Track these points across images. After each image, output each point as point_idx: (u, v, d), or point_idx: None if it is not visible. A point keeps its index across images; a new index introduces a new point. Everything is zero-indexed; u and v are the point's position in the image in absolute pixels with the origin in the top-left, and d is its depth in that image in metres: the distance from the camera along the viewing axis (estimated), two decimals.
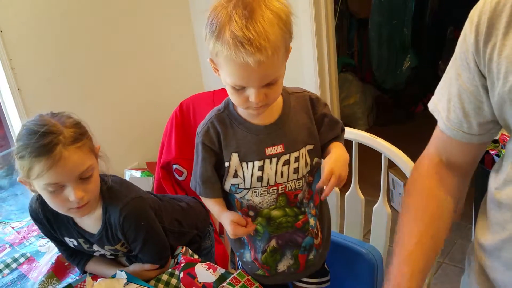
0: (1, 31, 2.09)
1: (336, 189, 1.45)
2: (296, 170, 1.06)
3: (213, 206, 1.12)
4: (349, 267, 1.25)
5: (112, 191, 1.21)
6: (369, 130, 3.05)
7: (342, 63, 3.46)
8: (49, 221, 1.26)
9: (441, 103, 0.87)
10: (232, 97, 0.98)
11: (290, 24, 0.93)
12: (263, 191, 1.07)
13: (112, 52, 2.54)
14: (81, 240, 1.27)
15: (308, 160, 1.07)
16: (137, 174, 2.42)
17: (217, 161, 1.08)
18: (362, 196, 1.40)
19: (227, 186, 1.09)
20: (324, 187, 0.99)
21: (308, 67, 2.49)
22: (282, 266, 1.16)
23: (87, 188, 1.11)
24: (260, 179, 1.06)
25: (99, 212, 1.21)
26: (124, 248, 1.27)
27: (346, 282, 1.26)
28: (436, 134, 0.92)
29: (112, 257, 1.33)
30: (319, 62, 2.47)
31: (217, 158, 1.07)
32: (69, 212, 1.14)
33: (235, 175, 1.06)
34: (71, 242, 1.29)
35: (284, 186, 1.07)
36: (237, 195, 1.09)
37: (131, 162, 2.64)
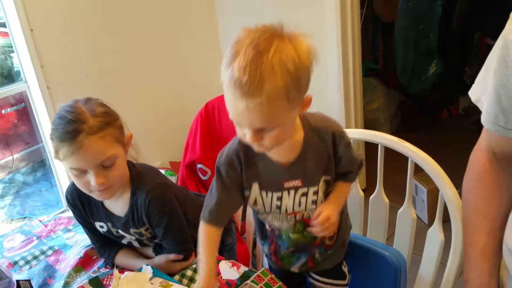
0: (31, 30, 2.14)
1: (361, 193, 1.45)
2: (314, 201, 1.09)
3: (202, 260, 1.09)
4: (372, 270, 1.24)
5: (141, 175, 1.25)
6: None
7: (367, 68, 3.44)
8: (83, 205, 1.31)
9: (483, 95, 0.87)
10: (236, 130, 0.97)
11: (299, 77, 0.87)
12: (281, 217, 1.13)
13: (139, 53, 2.58)
14: (109, 224, 1.31)
15: (325, 189, 1.10)
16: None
17: (235, 189, 1.09)
18: (386, 200, 1.39)
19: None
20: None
21: (332, 71, 2.49)
22: (295, 268, 1.23)
23: (109, 175, 1.15)
24: (278, 207, 1.10)
25: (127, 195, 1.25)
26: (149, 233, 1.30)
27: (368, 285, 1.25)
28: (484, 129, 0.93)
29: (138, 245, 1.36)
30: (344, 66, 2.46)
31: (237, 186, 1.09)
32: (92, 194, 1.19)
33: (255, 202, 1.11)
34: (101, 227, 1.33)
35: (301, 214, 1.12)
36: (259, 216, 1.17)
37: (154, 161, 2.67)
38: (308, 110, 0.99)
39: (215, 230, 1.11)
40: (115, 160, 1.15)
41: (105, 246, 1.38)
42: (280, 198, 1.08)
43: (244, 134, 0.93)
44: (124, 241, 1.36)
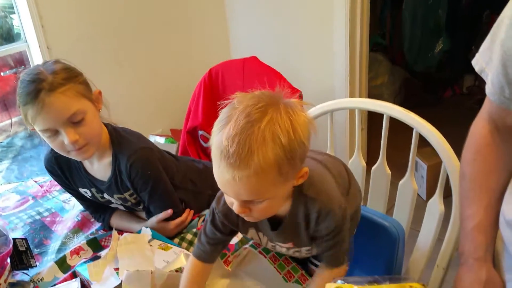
0: None
1: (363, 163, 1.43)
2: (308, 251, 1.06)
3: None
4: (371, 239, 1.23)
5: (123, 139, 1.24)
6: None
7: (373, 42, 3.39)
8: (63, 171, 1.30)
9: (488, 66, 0.84)
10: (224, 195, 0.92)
11: (293, 151, 0.79)
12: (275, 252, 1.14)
13: (142, 18, 2.53)
14: (93, 190, 1.30)
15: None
16: (161, 140, 2.43)
17: (229, 232, 1.05)
18: (388, 171, 1.37)
19: None
20: None
21: (339, 43, 2.44)
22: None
23: (81, 131, 1.13)
24: (273, 247, 1.08)
25: (109, 159, 1.24)
26: (133, 198, 1.29)
27: (367, 253, 1.25)
28: (487, 97, 0.90)
29: (125, 209, 1.36)
30: (351, 40, 2.41)
31: (231, 231, 1.04)
32: (70, 155, 1.18)
33: (251, 238, 1.08)
34: (86, 193, 1.33)
35: (296, 257, 1.11)
36: None
37: (155, 129, 2.65)
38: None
39: (206, 266, 1.06)
40: (84, 115, 1.13)
41: (98, 211, 1.37)
42: (274, 247, 1.07)
43: (231, 202, 0.87)
44: (112, 206, 1.35)
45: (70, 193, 1.39)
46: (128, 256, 1.16)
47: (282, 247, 1.04)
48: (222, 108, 0.83)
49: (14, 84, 2.96)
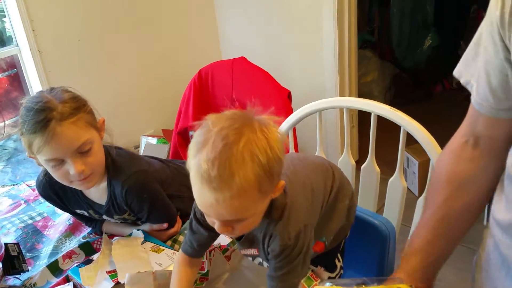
0: None
1: (352, 162, 1.44)
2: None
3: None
4: (362, 237, 1.24)
5: (116, 164, 1.22)
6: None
7: (362, 39, 3.41)
8: (58, 196, 1.29)
9: (473, 76, 0.84)
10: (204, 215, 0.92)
11: (272, 168, 0.80)
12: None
13: (131, 20, 2.53)
14: (91, 212, 1.30)
15: None
16: (153, 141, 2.43)
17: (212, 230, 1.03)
18: (378, 169, 1.38)
19: None
20: None
21: (328, 41, 2.46)
22: None
23: (87, 162, 1.12)
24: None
25: (104, 184, 1.23)
26: (132, 216, 1.30)
27: (358, 253, 1.26)
28: (469, 110, 0.89)
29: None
30: (339, 37, 2.43)
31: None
32: (73, 184, 1.16)
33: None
34: (83, 213, 1.32)
35: None
36: None
37: (147, 129, 2.65)
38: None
39: (194, 261, 1.06)
40: (91, 145, 1.12)
41: (90, 221, 1.37)
42: (244, 255, 1.06)
43: (213, 222, 0.87)
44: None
45: (64, 211, 1.38)
46: (124, 260, 1.16)
47: (249, 255, 1.04)
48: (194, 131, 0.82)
49: (6, 87, 2.95)
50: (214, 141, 0.77)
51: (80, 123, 1.10)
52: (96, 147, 1.14)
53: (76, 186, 1.17)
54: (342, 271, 1.24)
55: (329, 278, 1.15)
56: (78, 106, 1.11)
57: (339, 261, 1.23)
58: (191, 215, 1.03)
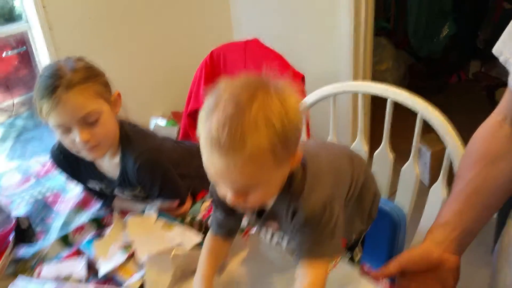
0: None
1: (365, 147, 1.42)
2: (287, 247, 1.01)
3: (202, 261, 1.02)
4: (372, 224, 1.22)
5: (129, 140, 1.22)
6: None
7: (377, 26, 3.35)
8: (72, 167, 1.30)
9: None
10: (216, 187, 0.88)
11: (287, 135, 0.76)
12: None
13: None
14: (103, 186, 1.31)
15: None
16: (162, 122, 2.43)
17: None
18: (391, 156, 1.37)
19: None
20: None
21: (344, 25, 2.42)
22: None
23: (94, 132, 1.12)
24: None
25: (117, 159, 1.23)
26: (143, 193, 1.29)
27: (367, 238, 1.25)
28: (507, 89, 0.87)
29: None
30: (356, 21, 2.39)
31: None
32: (81, 153, 1.17)
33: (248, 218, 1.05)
34: (94, 187, 1.33)
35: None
36: None
37: (156, 111, 2.64)
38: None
39: (222, 241, 1.04)
40: (99, 116, 1.12)
41: (102, 195, 1.37)
42: (259, 231, 1.04)
43: (225, 193, 0.83)
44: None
45: (76, 183, 1.38)
46: (141, 238, 1.16)
47: (268, 229, 1.01)
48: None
49: (15, 65, 2.95)
50: (225, 105, 0.74)
51: (87, 92, 1.10)
52: (105, 119, 1.14)
53: (84, 155, 1.18)
54: (360, 259, 1.23)
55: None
56: (88, 75, 1.12)
57: (359, 251, 1.22)
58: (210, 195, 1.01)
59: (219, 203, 0.99)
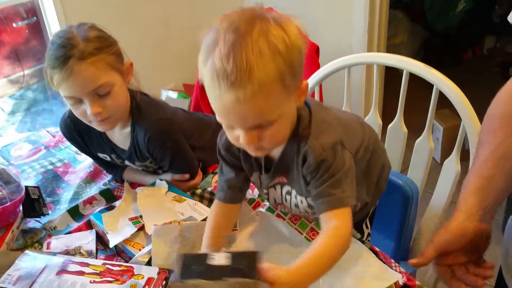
0: None
1: (379, 121, 1.39)
2: (296, 205, 0.98)
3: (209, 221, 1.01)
4: (384, 197, 1.20)
5: (140, 110, 1.20)
6: None
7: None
8: (82, 137, 1.28)
9: None
10: (226, 133, 0.85)
11: (292, 58, 0.74)
12: (271, 205, 1.05)
13: None
14: (113, 156, 1.29)
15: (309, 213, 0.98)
16: (174, 95, 2.41)
17: (239, 170, 1.00)
18: (405, 129, 1.34)
19: None
20: None
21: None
22: None
23: (106, 104, 1.10)
24: (267, 199, 1.03)
25: (128, 129, 1.22)
26: (154, 164, 1.28)
27: (379, 211, 1.23)
28: None
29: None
30: None
31: (239, 168, 1.00)
32: (92, 124, 1.15)
33: (255, 183, 1.02)
34: (105, 157, 1.32)
35: (289, 209, 1.03)
36: None
37: (168, 84, 2.62)
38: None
39: (229, 207, 1.02)
40: (111, 88, 1.10)
41: (112, 167, 1.37)
42: (267, 194, 1.01)
43: (237, 137, 0.80)
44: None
45: (86, 154, 1.38)
46: (150, 210, 1.16)
47: (276, 186, 0.99)
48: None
49: (25, 36, 2.93)
50: (225, 37, 0.72)
51: (100, 64, 1.07)
52: (117, 91, 1.12)
53: (95, 126, 1.17)
54: (369, 238, 1.22)
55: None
56: (101, 46, 1.08)
57: (367, 227, 1.20)
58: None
59: (227, 158, 0.98)
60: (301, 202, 0.97)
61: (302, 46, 0.77)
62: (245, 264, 0.74)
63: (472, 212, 0.81)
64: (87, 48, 1.06)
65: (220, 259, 0.76)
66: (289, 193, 0.98)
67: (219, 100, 0.75)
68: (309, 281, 0.79)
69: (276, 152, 0.92)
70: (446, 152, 1.27)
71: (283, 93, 0.76)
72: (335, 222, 0.84)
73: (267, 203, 1.13)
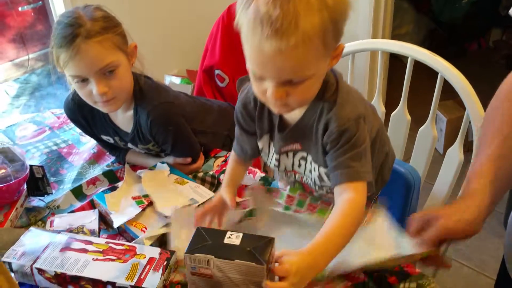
0: None
1: (382, 108, 1.40)
2: (311, 171, 0.97)
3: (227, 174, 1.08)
4: (387, 184, 1.21)
5: (143, 93, 1.21)
6: None
7: None
8: (86, 119, 1.29)
9: None
10: (252, 84, 0.84)
11: (337, 15, 0.74)
12: (280, 173, 1.05)
13: None
14: (117, 138, 1.30)
15: (325, 180, 0.96)
16: (177, 80, 2.41)
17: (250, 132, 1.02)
18: (409, 117, 1.34)
19: None
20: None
21: None
22: None
23: (111, 84, 1.11)
24: (276, 166, 1.02)
25: (131, 112, 1.22)
26: (156, 148, 1.29)
27: (379, 199, 1.24)
28: None
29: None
30: None
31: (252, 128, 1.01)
32: (97, 105, 1.16)
33: (262, 150, 1.03)
34: (108, 140, 1.32)
35: (300, 176, 1.02)
36: None
37: (171, 69, 2.62)
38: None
39: (241, 161, 1.07)
40: (116, 68, 1.11)
41: (116, 149, 1.37)
42: (278, 159, 1.01)
43: (265, 89, 0.79)
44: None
45: (90, 136, 1.39)
46: (157, 191, 1.16)
47: (289, 153, 0.98)
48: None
49: (31, 20, 2.93)
50: None
51: (106, 43, 1.08)
52: (122, 72, 1.13)
53: (100, 107, 1.17)
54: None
55: None
56: (107, 26, 1.10)
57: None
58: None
59: (242, 116, 0.99)
60: (314, 169, 0.96)
61: (348, 7, 0.76)
62: (257, 248, 0.75)
63: (483, 192, 0.78)
64: (94, 27, 1.07)
65: (235, 239, 0.78)
66: (304, 158, 0.97)
67: (258, 47, 0.73)
68: (325, 260, 0.78)
69: (294, 116, 0.92)
70: (449, 143, 1.28)
71: (322, 51, 0.75)
72: (351, 194, 0.83)
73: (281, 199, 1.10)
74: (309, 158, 0.96)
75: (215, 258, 0.76)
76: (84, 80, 1.11)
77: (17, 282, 0.86)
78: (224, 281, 0.78)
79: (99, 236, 1.07)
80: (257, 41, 0.72)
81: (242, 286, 0.77)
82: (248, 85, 0.96)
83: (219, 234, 0.80)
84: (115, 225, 1.08)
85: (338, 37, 0.78)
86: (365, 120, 0.87)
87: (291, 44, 0.70)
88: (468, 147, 1.22)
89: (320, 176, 0.96)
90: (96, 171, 1.33)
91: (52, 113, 1.63)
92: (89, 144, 1.45)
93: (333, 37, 0.76)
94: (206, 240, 0.79)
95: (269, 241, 0.77)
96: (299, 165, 0.99)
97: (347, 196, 0.83)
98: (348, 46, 1.35)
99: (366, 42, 1.38)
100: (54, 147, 1.45)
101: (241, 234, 0.78)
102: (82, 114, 1.28)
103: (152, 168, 1.26)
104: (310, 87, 0.81)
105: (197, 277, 0.80)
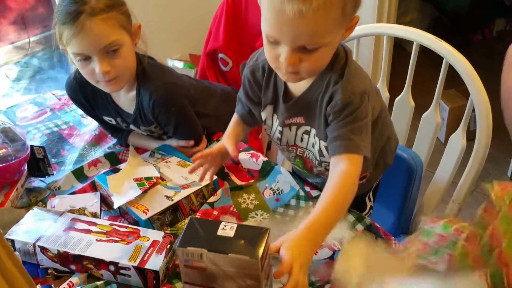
0: None
1: (386, 93, 1.39)
2: (313, 144, 0.98)
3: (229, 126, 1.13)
4: (388, 169, 1.21)
5: (146, 74, 1.20)
6: None
7: None
8: (88, 99, 1.28)
9: None
10: (265, 49, 0.84)
11: None
12: (282, 147, 1.05)
13: None
14: (119, 119, 1.29)
15: (325, 155, 0.96)
16: (180, 64, 2.40)
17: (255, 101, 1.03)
18: (412, 103, 1.33)
19: None
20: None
21: None
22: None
23: (114, 64, 1.10)
24: (279, 139, 1.02)
25: (133, 92, 1.22)
26: (159, 130, 1.29)
27: (383, 183, 1.24)
28: None
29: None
30: None
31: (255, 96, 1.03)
32: (99, 85, 1.16)
33: (265, 122, 1.04)
34: (110, 121, 1.31)
35: (302, 150, 1.02)
36: None
37: (174, 53, 2.60)
38: None
39: (242, 122, 1.12)
40: (120, 47, 1.10)
41: (118, 131, 1.37)
42: (281, 132, 1.01)
43: (278, 54, 0.80)
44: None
45: (92, 117, 1.38)
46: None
47: (292, 126, 0.99)
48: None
49: (33, 2, 2.91)
50: None
51: (111, 22, 1.07)
52: (126, 51, 1.12)
53: (102, 87, 1.16)
54: (371, 211, 1.22)
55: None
56: (112, 4, 1.08)
57: (370, 201, 1.21)
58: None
59: (249, 83, 1.00)
60: (316, 143, 0.97)
61: None
62: (252, 241, 0.73)
63: None
64: (98, 5, 1.06)
65: (229, 230, 0.76)
66: (307, 132, 0.98)
67: (279, 9, 0.74)
68: (324, 233, 0.80)
69: (300, 87, 0.93)
70: (451, 132, 1.27)
71: (339, 20, 0.77)
72: (347, 166, 0.84)
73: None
74: (312, 132, 0.97)
75: (208, 252, 0.74)
76: (87, 59, 1.09)
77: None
78: (218, 274, 0.76)
79: (100, 218, 1.07)
80: (279, 2, 0.73)
81: (237, 279, 0.75)
82: (258, 52, 0.97)
83: (213, 225, 0.78)
84: (115, 206, 1.08)
85: (356, 7, 0.79)
86: (369, 98, 0.88)
87: (313, 8, 0.72)
88: (471, 137, 1.22)
89: (320, 151, 0.96)
90: (98, 153, 1.33)
91: (53, 94, 1.62)
92: (90, 126, 1.44)
93: (352, 8, 0.77)
94: (199, 232, 0.77)
95: (265, 232, 0.75)
96: (302, 139, 1.00)
97: (343, 167, 0.85)
98: (354, 31, 1.33)
99: (371, 27, 1.36)
100: (55, 129, 1.44)
101: (235, 225, 0.76)
102: (84, 94, 1.27)
103: (155, 150, 1.26)
104: (323, 56, 0.82)
105: (190, 269, 0.78)
